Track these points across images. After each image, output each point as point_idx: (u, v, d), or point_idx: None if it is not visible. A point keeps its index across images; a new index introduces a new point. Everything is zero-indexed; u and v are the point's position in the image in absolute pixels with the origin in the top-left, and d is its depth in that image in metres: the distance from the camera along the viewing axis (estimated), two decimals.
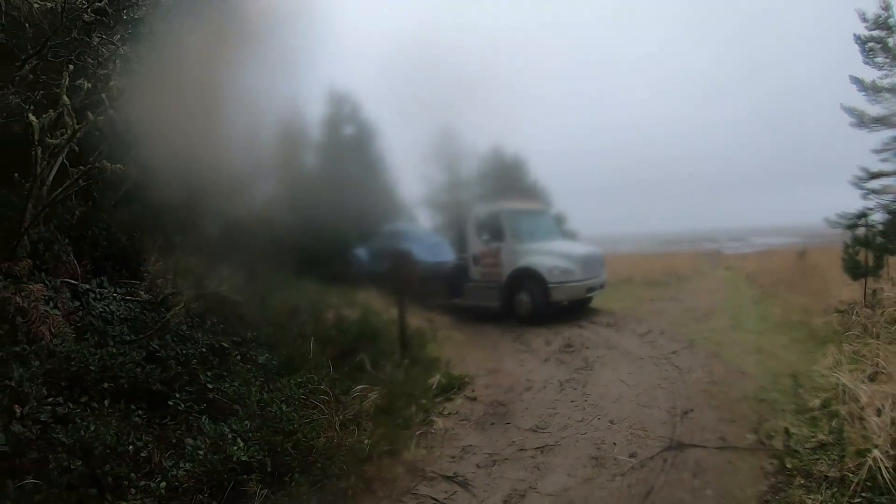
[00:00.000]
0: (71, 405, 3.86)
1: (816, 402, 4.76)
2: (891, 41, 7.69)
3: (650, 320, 9.08)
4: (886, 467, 3.42)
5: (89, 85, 5.52)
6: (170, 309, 5.12)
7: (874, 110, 8.00)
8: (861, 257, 7.24)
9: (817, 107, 8.68)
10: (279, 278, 6.44)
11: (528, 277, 10.36)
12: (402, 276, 7.82)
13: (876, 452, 3.54)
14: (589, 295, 10.81)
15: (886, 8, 7.80)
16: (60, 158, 5.53)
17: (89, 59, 5.87)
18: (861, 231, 7.47)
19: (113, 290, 5.36)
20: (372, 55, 8.23)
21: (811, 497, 3.49)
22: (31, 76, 5.66)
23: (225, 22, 6.59)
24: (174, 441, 3.98)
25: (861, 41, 7.95)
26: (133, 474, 3.59)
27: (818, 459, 3.92)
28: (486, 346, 8.13)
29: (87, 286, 5.33)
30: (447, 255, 11.00)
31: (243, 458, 3.77)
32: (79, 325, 4.86)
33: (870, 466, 3.46)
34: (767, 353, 6.59)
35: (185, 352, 4.75)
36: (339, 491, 3.93)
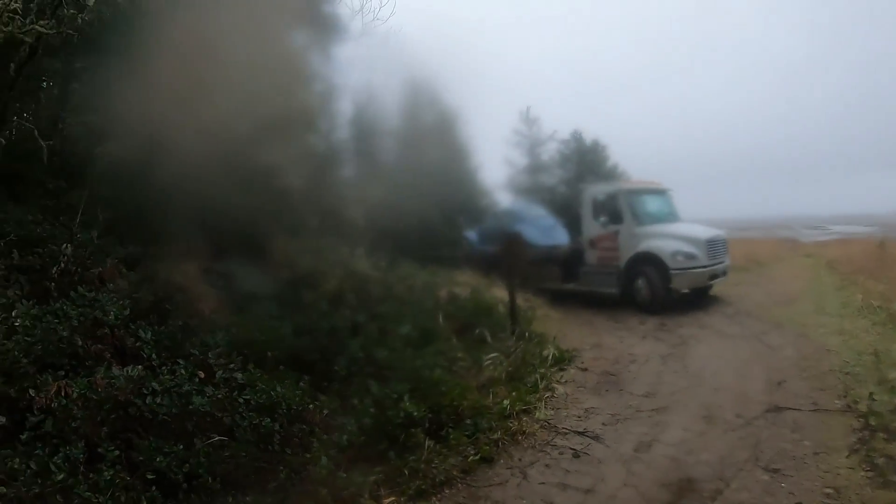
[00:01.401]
0: (251, 371, 4.87)
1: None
2: None
3: (737, 303, 10.23)
4: None
5: None
6: (312, 287, 6.53)
7: None
8: None
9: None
10: (398, 260, 7.64)
11: (648, 262, 10.66)
12: (511, 259, 8.72)
13: None
14: (711, 282, 11.02)
15: None
16: None
17: None
18: None
19: (252, 270, 6.43)
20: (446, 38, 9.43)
21: (890, 446, 4.39)
22: None
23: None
24: (342, 402, 5.06)
25: None
26: (317, 429, 4.70)
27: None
28: (583, 324, 9.31)
29: (229, 267, 6.59)
30: (562, 238, 11.61)
31: (415, 414, 4.86)
32: (229, 302, 5.94)
33: None
34: (850, 334, 7.50)
35: (333, 325, 5.88)
36: (491, 442, 4.97)
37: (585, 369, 7.17)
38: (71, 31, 5.53)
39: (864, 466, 4.21)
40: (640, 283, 10.64)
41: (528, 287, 9.80)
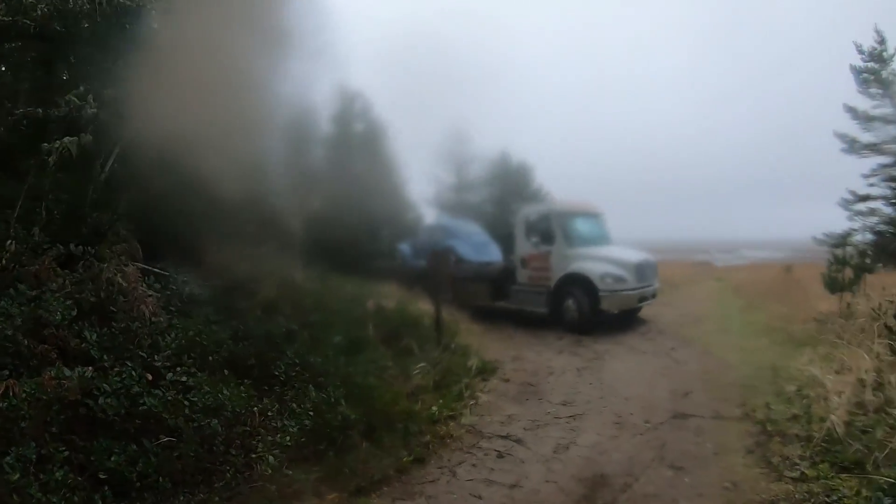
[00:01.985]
0: (198, 374, 5.16)
1: (791, 388, 6.66)
2: (884, 73, 9.80)
3: (649, 322, 11.42)
4: (840, 427, 5.20)
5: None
6: (247, 294, 6.79)
7: (865, 137, 10.10)
8: (840, 275, 9.17)
9: (812, 131, 10.91)
10: (329, 270, 8.06)
11: (577, 284, 11.21)
12: (438, 274, 9.47)
13: (833, 417, 5.37)
14: (640, 304, 11.66)
15: (881, 42, 9.79)
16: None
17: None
18: (843, 250, 9.28)
19: (188, 274, 6.72)
20: (382, 49, 9.98)
21: (786, 448, 5.29)
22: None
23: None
24: (281, 406, 5.37)
25: (857, 72, 10.09)
26: (262, 430, 5.01)
27: (791, 425, 5.75)
28: (504, 338, 10.16)
29: (167, 271, 6.67)
30: (494, 256, 12.31)
31: (352, 417, 5.42)
32: (168, 305, 6.15)
33: (829, 427, 5.27)
34: (751, 351, 8.64)
35: (268, 331, 6.22)
36: (422, 444, 5.61)
37: (507, 380, 7.97)
38: (27, 21, 5.83)
39: (760, 465, 5.07)
40: (570, 303, 11.20)
41: (457, 303, 10.49)
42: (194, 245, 7.24)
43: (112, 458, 4.17)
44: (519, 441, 5.95)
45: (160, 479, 4.30)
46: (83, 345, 5.00)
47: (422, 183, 11.53)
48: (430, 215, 11.75)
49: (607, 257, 11.50)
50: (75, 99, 5.82)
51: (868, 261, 9.29)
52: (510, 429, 6.29)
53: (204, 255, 7.24)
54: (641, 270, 11.36)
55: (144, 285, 6.14)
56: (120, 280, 5.92)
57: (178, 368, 5.15)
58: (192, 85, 6.33)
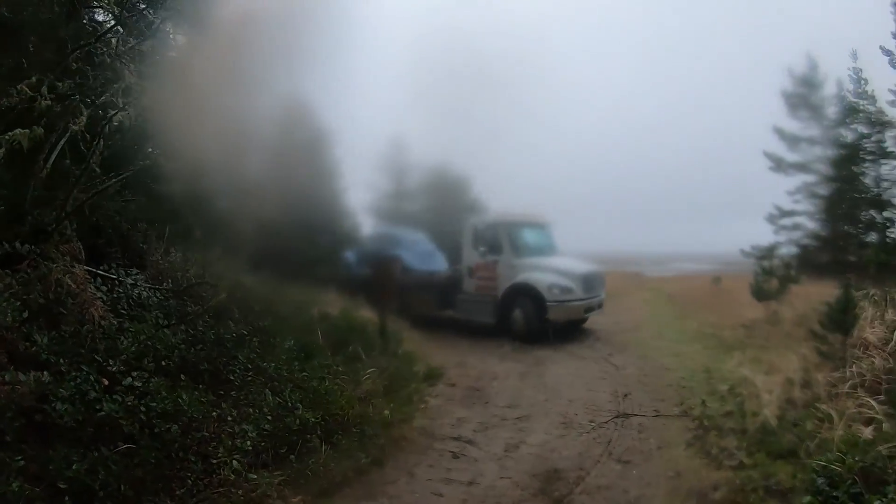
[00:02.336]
0: (155, 379, 5.18)
1: (724, 388, 7.31)
2: (813, 98, 10.69)
3: (587, 329, 11.90)
4: (773, 421, 5.84)
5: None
6: (197, 298, 6.76)
7: (792, 157, 10.76)
8: (767, 285, 9.94)
9: (742, 151, 11.76)
10: (275, 276, 8.24)
11: (524, 294, 11.47)
12: (382, 282, 9.86)
13: (766, 412, 6.03)
14: (586, 315, 11.87)
15: (812, 68, 10.73)
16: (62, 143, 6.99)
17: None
18: (769, 262, 10.05)
19: (136, 277, 6.71)
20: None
21: (723, 441, 5.87)
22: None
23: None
24: (239, 411, 5.49)
25: (787, 96, 10.87)
26: (223, 435, 5.11)
27: (727, 420, 6.37)
28: (446, 346, 10.41)
29: (113, 274, 6.55)
30: (440, 265, 12.45)
31: (311, 421, 5.62)
32: (116, 309, 6.11)
33: (762, 421, 5.92)
34: (685, 355, 9.36)
35: (219, 336, 6.24)
36: (378, 447, 5.86)
37: (453, 384, 8.36)
38: None
39: (700, 456, 5.66)
40: (517, 313, 11.43)
41: (403, 312, 10.67)
42: (138, 247, 7.34)
43: (73, 467, 4.17)
44: (471, 442, 6.30)
45: (121, 486, 4.33)
46: (33, 348, 4.95)
47: (362, 191, 11.40)
48: (367, 223, 11.74)
49: (555, 268, 11.79)
50: (27, 90, 5.72)
51: (793, 272, 10.08)
52: (461, 431, 6.64)
53: (148, 257, 7.35)
54: (588, 281, 11.67)
55: (93, 287, 6.13)
56: (69, 281, 5.86)
57: (135, 373, 5.16)
58: (145, 82, 6.53)
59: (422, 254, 12.21)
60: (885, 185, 10.46)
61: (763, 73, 11.67)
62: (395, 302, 10.59)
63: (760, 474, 4.99)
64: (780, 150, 11.01)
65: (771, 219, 10.83)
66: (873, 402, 5.52)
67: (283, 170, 9.33)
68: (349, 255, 11.34)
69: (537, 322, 11.22)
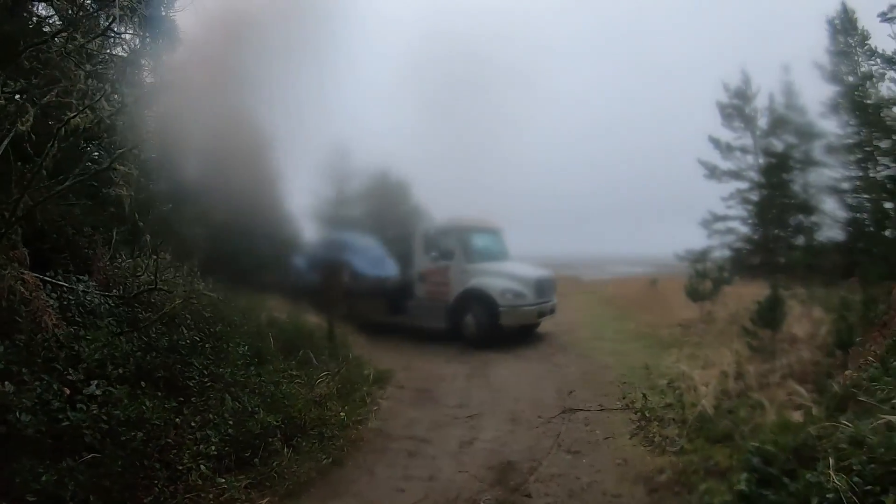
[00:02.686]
0: (116, 387, 5.28)
1: (663, 382, 7.95)
2: (747, 109, 11.67)
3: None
4: (710, 410, 6.49)
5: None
6: (148, 305, 6.85)
7: (725, 165, 11.71)
8: (701, 286, 10.79)
9: (677, 159, 12.53)
10: (224, 282, 8.41)
11: (476, 299, 11.78)
12: (329, 288, 10.15)
13: (704, 402, 6.67)
14: (539, 320, 12.30)
15: (746, 82, 11.70)
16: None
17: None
18: (703, 265, 10.88)
19: (86, 284, 6.64)
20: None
21: (664, 430, 6.53)
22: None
23: None
24: (200, 416, 5.69)
25: (722, 107, 11.87)
26: (187, 441, 5.28)
27: (667, 412, 7.01)
28: (392, 349, 10.79)
29: (61, 281, 6.63)
30: (390, 270, 12.65)
31: (273, 424, 5.88)
32: (69, 317, 6.11)
33: (700, 411, 6.54)
34: (625, 354, 10.04)
35: (172, 343, 6.40)
36: (337, 448, 6.18)
37: (402, 387, 8.75)
38: None
39: (644, 444, 6.29)
40: (469, 318, 11.80)
41: (353, 317, 11.13)
42: (83, 252, 7.39)
43: (42, 479, 4.26)
44: (425, 440, 6.71)
45: (90, 497, 4.47)
46: None
47: (304, 197, 11.55)
48: (309, 229, 11.88)
49: (507, 273, 12.18)
50: None
51: (725, 274, 10.99)
52: (414, 430, 7.04)
53: (95, 263, 7.43)
54: (540, 286, 12.05)
55: (44, 294, 6.10)
56: (21, 288, 5.84)
57: (95, 382, 5.26)
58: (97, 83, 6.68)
59: (372, 259, 12.46)
60: (812, 191, 11.35)
61: (700, 85, 12.48)
62: (342, 307, 10.88)
63: (700, 458, 5.61)
64: (715, 158, 11.98)
65: (705, 223, 11.64)
66: (802, 390, 6.25)
67: (223, 175, 9.54)
68: (298, 261, 11.50)
69: (490, 327, 11.58)
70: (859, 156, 11.12)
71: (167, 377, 6.18)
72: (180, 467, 5.12)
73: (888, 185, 10.52)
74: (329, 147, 11.74)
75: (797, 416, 5.62)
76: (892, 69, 10.57)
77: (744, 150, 12.02)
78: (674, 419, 6.79)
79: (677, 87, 13.13)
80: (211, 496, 4.96)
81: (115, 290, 7.12)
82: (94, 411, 4.99)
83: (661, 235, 11.55)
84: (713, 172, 11.89)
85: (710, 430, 6.15)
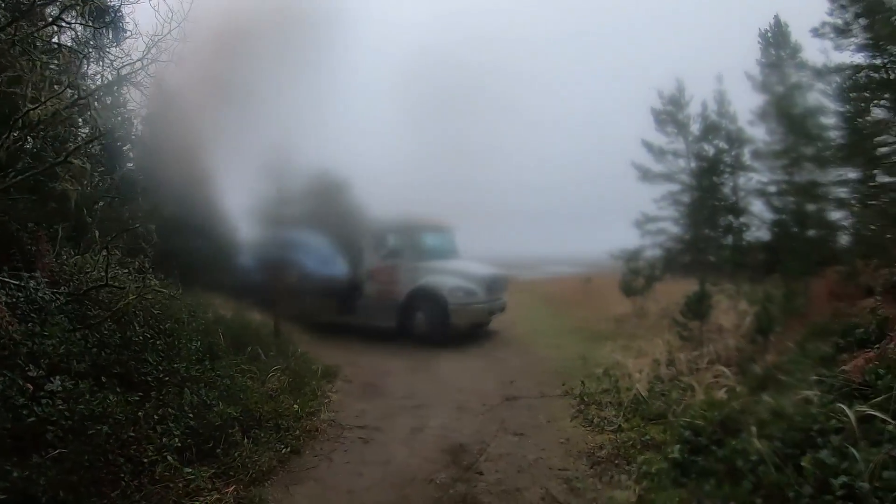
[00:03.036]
0: (79, 382, 5.43)
1: (600, 371, 8.76)
2: (679, 115, 12.48)
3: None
4: (644, 393, 7.35)
5: None
6: (98, 302, 6.97)
7: (658, 168, 12.44)
8: (634, 283, 11.65)
9: (614, 162, 13.24)
10: (169, 280, 8.56)
11: (427, 297, 12.04)
12: (275, 287, 10.51)
13: (638, 386, 7.49)
14: (489, 318, 12.68)
15: (680, 90, 12.51)
16: None
17: None
18: (636, 262, 11.74)
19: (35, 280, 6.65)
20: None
21: (602, 412, 7.31)
22: None
23: None
24: (160, 410, 5.93)
25: (656, 113, 12.67)
26: (151, 434, 5.52)
27: (604, 396, 7.82)
28: (337, 346, 11.21)
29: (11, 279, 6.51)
30: (340, 269, 12.81)
31: (233, 415, 6.20)
32: (17, 313, 6.21)
33: (635, 394, 7.37)
34: (563, 347, 10.83)
35: (125, 339, 6.59)
36: (294, 438, 6.58)
37: (350, 381, 9.20)
38: None
39: (584, 425, 7.04)
40: (419, 317, 12.07)
41: (302, 317, 11.58)
42: (27, 249, 7.41)
43: (14, 475, 4.43)
44: (377, 429, 7.19)
45: (60, 492, 4.65)
46: None
47: (242, 195, 11.76)
48: (248, 228, 12.13)
49: (457, 271, 12.48)
50: None
51: (657, 272, 11.88)
52: (366, 420, 7.51)
53: (40, 259, 7.48)
54: (491, 284, 12.41)
55: None
56: None
57: (57, 378, 5.43)
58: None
59: (321, 258, 12.72)
60: (741, 194, 12.32)
61: (635, 93, 13.26)
62: (287, 306, 11.18)
63: (637, 434, 6.39)
64: (648, 161, 12.79)
65: (638, 224, 12.35)
66: (727, 372, 7.13)
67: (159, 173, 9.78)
68: (246, 261, 11.82)
69: (440, 325, 11.88)
70: (785, 161, 12.02)
71: (123, 373, 6.35)
72: (145, 460, 5.36)
73: (810, 189, 11.44)
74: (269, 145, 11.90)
75: (723, 395, 6.44)
76: (820, 81, 11.31)
77: (676, 154, 12.80)
78: (611, 402, 7.61)
79: (613, 94, 13.74)
80: (180, 486, 5.25)
81: (63, 287, 7.24)
82: (60, 406, 5.17)
83: (595, 236, 12.29)
84: (646, 175, 12.67)
85: (645, 410, 6.94)
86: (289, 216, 12.41)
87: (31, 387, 5.25)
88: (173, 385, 6.53)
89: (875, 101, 10.77)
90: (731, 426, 5.52)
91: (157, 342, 7.08)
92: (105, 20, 8.12)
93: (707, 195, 12.61)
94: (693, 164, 12.89)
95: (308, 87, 10.88)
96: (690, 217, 12.73)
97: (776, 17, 12.27)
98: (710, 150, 12.80)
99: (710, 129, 12.81)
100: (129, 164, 10.04)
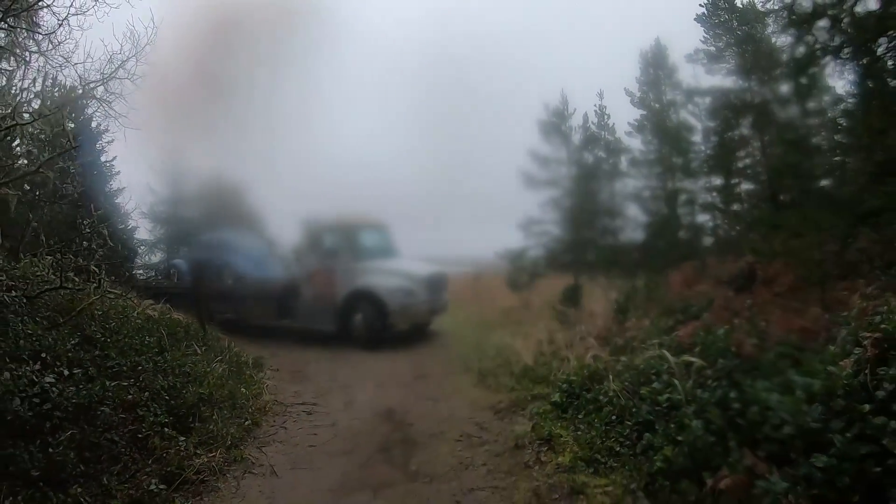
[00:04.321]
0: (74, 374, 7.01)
1: (493, 352, 11.19)
2: (563, 126, 14.57)
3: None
4: (530, 363, 10.25)
5: None
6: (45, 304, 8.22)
7: (542, 175, 14.49)
8: (520, 279, 13.71)
9: (499, 170, 14.60)
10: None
11: (364, 299, 12.71)
12: (198, 288, 12.05)
13: (525, 359, 10.34)
14: (431, 318, 13.45)
15: (564, 103, 14.57)
16: None
17: None
18: (521, 261, 13.89)
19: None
20: None
21: (498, 380, 10.05)
22: None
23: None
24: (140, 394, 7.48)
25: (542, 124, 14.61)
26: (142, 412, 7.13)
27: (497, 369, 10.52)
28: (256, 340, 12.87)
29: None
30: (276, 271, 13.68)
31: (204, 395, 8.03)
32: None
33: (523, 365, 10.24)
34: (459, 337, 13.10)
35: (90, 336, 8.15)
36: (248, 414, 8.35)
37: (277, 369, 11.00)
38: None
39: (484, 390, 9.61)
40: (358, 319, 12.75)
41: (240, 320, 13.35)
42: None
43: (40, 455, 5.80)
44: (315, 404, 9.21)
45: (80, 466, 6.11)
46: None
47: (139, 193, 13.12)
48: (143, 227, 13.50)
49: (396, 270, 13.16)
50: None
51: (540, 269, 14.18)
52: (304, 398, 9.52)
53: None
54: (432, 283, 13.17)
55: None
56: None
57: (61, 369, 7.13)
58: None
59: (255, 259, 13.85)
60: (617, 199, 14.75)
61: (525, 107, 15.47)
62: (219, 308, 12.87)
63: (527, 392, 8.98)
64: (533, 168, 14.98)
65: (523, 226, 14.73)
66: (595, 344, 9.81)
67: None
68: (179, 263, 13.29)
69: (379, 327, 12.67)
70: (658, 170, 14.72)
71: (97, 366, 7.98)
72: (140, 435, 7.00)
73: (679, 195, 14.27)
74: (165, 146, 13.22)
75: (590, 360, 9.03)
76: (690, 102, 14.16)
77: (559, 161, 15.07)
78: (504, 373, 10.25)
79: (506, 107, 15.81)
80: (175, 451, 6.90)
81: (13, 292, 8.32)
82: (71, 394, 6.70)
83: (482, 237, 14.46)
84: (531, 182, 14.89)
85: (532, 374, 9.58)
86: (185, 217, 13.85)
87: (35, 379, 6.59)
88: (145, 373, 8.19)
89: (739, 119, 13.49)
90: (596, 378, 8.25)
91: (116, 339, 8.76)
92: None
93: (586, 200, 15.04)
94: (574, 171, 15.35)
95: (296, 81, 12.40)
96: (571, 220, 15.24)
97: (657, 40, 14.72)
98: (590, 158, 15.36)
99: (590, 140, 15.28)
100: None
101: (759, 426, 5.55)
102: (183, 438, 7.24)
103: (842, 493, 4.70)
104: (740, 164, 14.12)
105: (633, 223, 15.06)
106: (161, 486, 6.36)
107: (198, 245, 13.79)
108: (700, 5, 14.08)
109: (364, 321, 12.85)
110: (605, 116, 15.53)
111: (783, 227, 11.16)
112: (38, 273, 9.27)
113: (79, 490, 5.88)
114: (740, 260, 11.70)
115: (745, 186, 14.23)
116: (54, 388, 6.68)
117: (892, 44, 10.54)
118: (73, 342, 8.04)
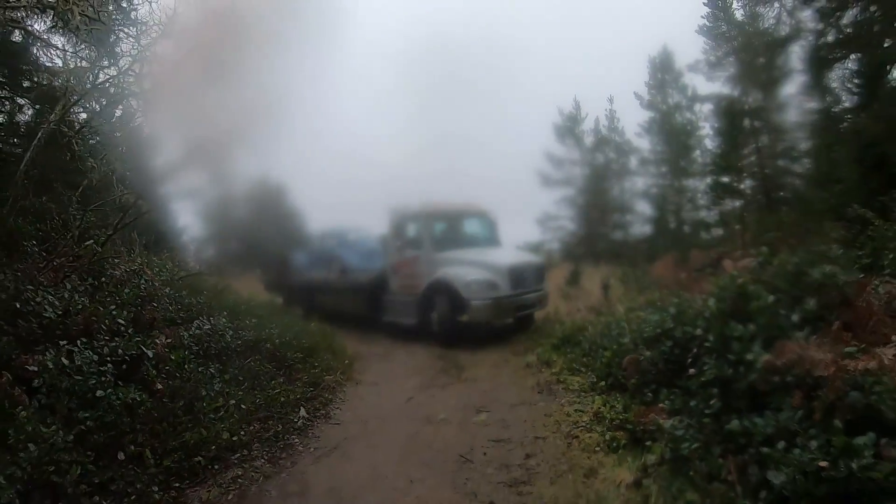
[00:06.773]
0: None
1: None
2: (576, 130, 18.86)
3: None
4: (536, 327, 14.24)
5: None
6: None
7: (557, 175, 18.98)
8: None
9: (521, 169, 17.92)
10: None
11: (442, 292, 13.88)
12: (283, 281, 15.26)
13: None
14: (522, 314, 14.27)
15: (577, 108, 18.59)
16: None
17: None
18: (539, 253, 15.99)
19: None
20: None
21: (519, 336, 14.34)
22: None
23: None
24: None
25: (556, 128, 18.90)
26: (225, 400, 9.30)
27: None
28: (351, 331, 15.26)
29: None
30: (378, 264, 15.19)
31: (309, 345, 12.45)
32: None
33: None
34: None
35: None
36: (346, 358, 13.92)
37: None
38: None
39: (507, 343, 14.98)
40: (435, 314, 13.99)
41: (339, 313, 15.21)
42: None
43: (89, 422, 7.07)
44: (376, 384, 13.23)
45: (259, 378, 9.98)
46: None
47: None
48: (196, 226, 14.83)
49: (476, 261, 14.28)
50: None
51: (555, 259, 16.81)
52: (372, 379, 13.33)
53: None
54: (517, 275, 14.14)
55: None
56: None
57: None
58: None
59: (363, 253, 15.91)
60: (627, 196, 17.74)
61: (544, 113, 18.39)
62: (322, 301, 15.12)
63: (535, 342, 14.32)
64: (549, 169, 18.23)
65: (540, 221, 18.01)
66: (586, 311, 14.49)
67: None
68: (300, 258, 16.11)
69: (453, 322, 13.98)
70: (665, 169, 17.76)
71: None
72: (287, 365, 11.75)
73: (687, 193, 16.54)
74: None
75: (580, 321, 13.41)
76: (694, 106, 17.32)
77: (573, 162, 18.33)
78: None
79: (524, 112, 18.10)
80: (308, 374, 12.11)
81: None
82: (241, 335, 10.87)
83: (505, 231, 16.41)
84: (547, 181, 18.30)
85: (541, 332, 14.54)
86: (234, 218, 14.98)
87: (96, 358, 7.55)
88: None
89: (744, 121, 15.79)
90: (582, 330, 12.56)
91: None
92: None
93: (598, 197, 17.89)
94: (587, 171, 18.77)
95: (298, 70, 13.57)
96: (584, 216, 18.44)
97: (664, 46, 17.83)
98: (601, 159, 18.77)
99: (602, 142, 18.67)
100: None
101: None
102: (244, 406, 9.68)
103: None
104: (746, 162, 16.14)
105: (640, 218, 18.31)
106: (309, 388, 11.23)
107: (314, 238, 15.98)
108: (701, 17, 16.80)
109: (438, 316, 14.11)
110: (615, 120, 18.81)
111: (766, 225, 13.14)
112: (158, 263, 12.79)
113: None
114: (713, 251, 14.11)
115: (741, 186, 16.72)
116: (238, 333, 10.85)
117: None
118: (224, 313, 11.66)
